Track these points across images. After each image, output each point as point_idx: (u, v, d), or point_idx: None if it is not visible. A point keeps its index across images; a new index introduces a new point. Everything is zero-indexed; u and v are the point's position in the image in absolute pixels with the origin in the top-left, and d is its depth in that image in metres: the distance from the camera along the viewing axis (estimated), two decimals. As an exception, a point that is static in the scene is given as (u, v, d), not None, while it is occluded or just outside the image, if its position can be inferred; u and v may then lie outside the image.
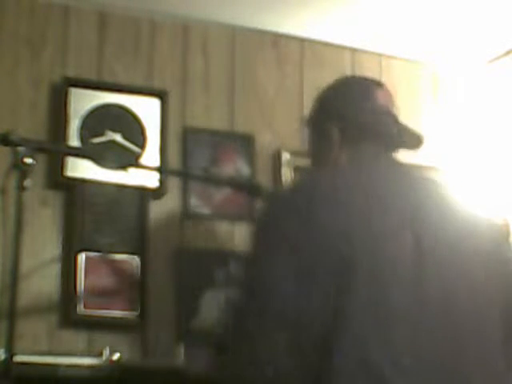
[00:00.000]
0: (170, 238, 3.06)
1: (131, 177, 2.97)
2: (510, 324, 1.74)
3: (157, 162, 3.06)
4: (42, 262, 2.88)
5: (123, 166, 2.90)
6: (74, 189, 2.95)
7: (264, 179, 3.16)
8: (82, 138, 3.00)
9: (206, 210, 3.12)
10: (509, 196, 3.37)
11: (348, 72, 3.40)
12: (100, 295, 2.88)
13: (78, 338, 2.86)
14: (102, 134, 3.04)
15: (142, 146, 3.08)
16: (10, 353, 2.07)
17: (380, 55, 3.50)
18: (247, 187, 2.91)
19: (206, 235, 3.10)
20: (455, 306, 1.65)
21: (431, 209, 1.73)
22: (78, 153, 2.92)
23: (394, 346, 1.56)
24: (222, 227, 3.13)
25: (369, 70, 3.40)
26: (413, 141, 1.91)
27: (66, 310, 2.86)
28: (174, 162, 3.11)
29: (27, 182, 2.17)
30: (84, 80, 3.06)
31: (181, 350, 2.85)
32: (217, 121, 3.23)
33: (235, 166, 3.20)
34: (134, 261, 2.95)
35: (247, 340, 1.59)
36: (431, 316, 1.61)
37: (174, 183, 3.08)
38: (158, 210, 3.06)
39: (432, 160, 3.28)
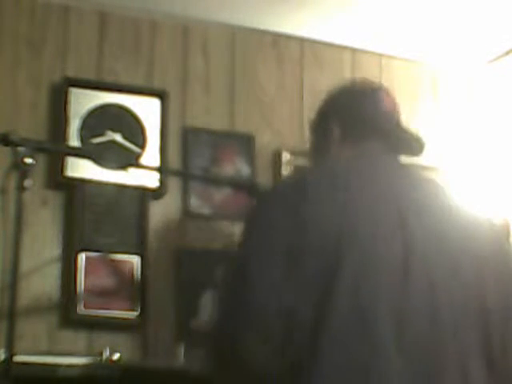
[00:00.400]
0: (170, 238, 3.06)
1: (131, 177, 2.97)
2: (509, 324, 1.74)
3: (157, 162, 3.06)
4: (42, 261, 2.88)
5: (123, 166, 2.90)
6: (74, 189, 2.95)
7: (264, 179, 3.16)
8: (82, 138, 3.00)
9: (206, 210, 3.12)
10: (509, 196, 3.37)
11: (348, 72, 3.40)
12: (100, 295, 2.88)
13: (78, 338, 2.86)
14: (101, 134, 3.04)
15: (142, 146, 3.08)
16: (10, 353, 2.07)
17: (380, 55, 3.50)
18: (247, 187, 2.90)
19: (205, 235, 3.10)
20: (445, 307, 1.64)
21: (430, 209, 1.72)
22: (78, 153, 2.92)
23: (378, 345, 1.56)
24: (222, 227, 3.13)
25: (369, 70, 3.41)
26: (415, 146, 1.90)
27: (65, 310, 2.86)
28: (174, 162, 3.11)
29: (27, 182, 2.17)
30: (84, 80, 3.06)
31: (181, 350, 2.85)
32: (217, 121, 3.23)
33: (235, 166, 3.20)
34: (134, 261, 2.95)
35: (230, 330, 1.59)
36: (417, 317, 1.60)
37: (174, 183, 3.08)
38: (158, 210, 3.06)
39: (432, 160, 3.27)
